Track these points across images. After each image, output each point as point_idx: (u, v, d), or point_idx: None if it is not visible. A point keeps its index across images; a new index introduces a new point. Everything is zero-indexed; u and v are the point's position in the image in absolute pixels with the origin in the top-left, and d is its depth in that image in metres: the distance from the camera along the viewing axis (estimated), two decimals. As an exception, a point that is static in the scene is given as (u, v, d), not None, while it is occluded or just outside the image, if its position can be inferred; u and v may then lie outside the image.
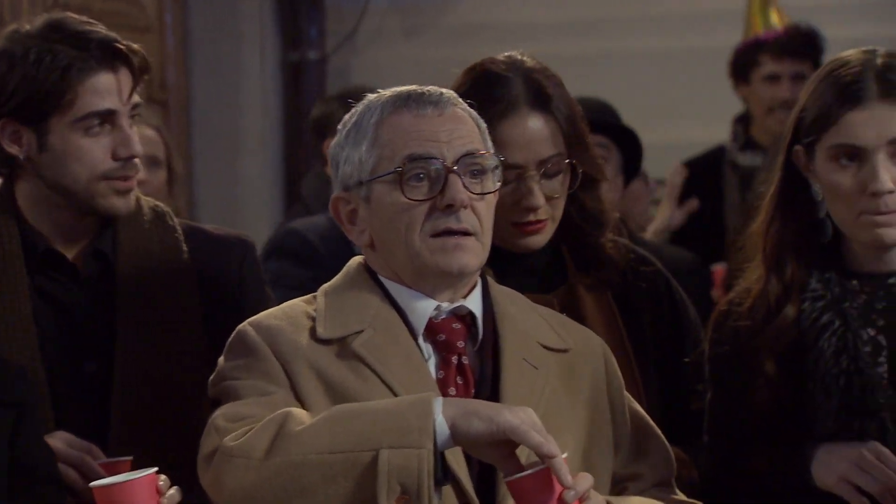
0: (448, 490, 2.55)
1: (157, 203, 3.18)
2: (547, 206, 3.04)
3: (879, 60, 2.84)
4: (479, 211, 2.69)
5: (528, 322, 2.77)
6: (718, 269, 4.91)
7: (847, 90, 2.81)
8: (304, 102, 6.92)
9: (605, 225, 3.14)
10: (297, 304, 2.75)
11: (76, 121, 2.96)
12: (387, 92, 2.75)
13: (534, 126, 3.03)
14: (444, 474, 2.50)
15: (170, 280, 3.08)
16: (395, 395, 2.60)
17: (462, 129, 2.71)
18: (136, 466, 2.78)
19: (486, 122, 2.82)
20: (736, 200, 5.47)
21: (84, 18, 3.04)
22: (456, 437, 2.49)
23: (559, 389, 2.72)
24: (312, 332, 2.67)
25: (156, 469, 2.58)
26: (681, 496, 2.82)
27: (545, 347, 2.75)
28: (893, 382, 2.82)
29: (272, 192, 7.02)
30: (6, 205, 3.05)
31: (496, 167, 2.73)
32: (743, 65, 5.64)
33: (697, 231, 5.29)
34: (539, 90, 3.06)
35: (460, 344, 2.69)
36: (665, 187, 5.46)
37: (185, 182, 6.81)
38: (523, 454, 2.51)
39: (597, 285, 3.14)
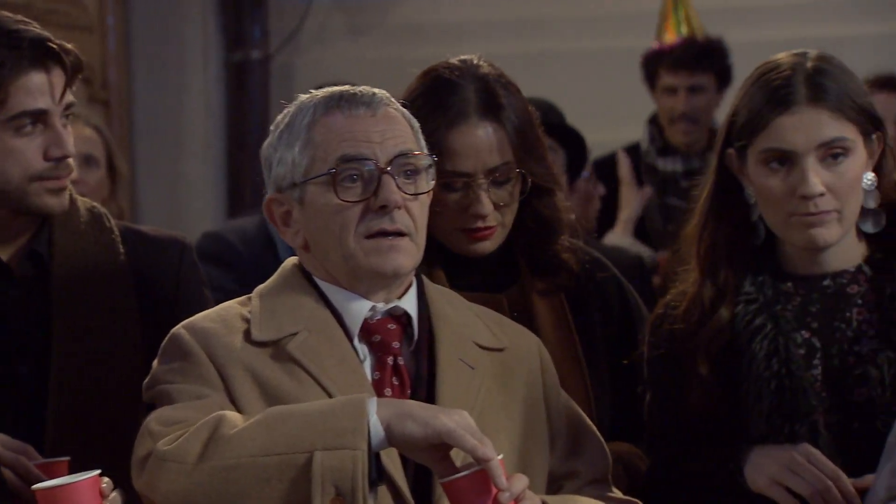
0: (384, 491, 2.55)
1: (94, 204, 3.17)
2: (496, 213, 3.04)
3: (810, 64, 2.84)
4: (413, 211, 2.69)
5: (463, 322, 2.77)
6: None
7: (776, 94, 2.81)
8: (247, 102, 6.91)
9: (559, 232, 3.14)
10: (231, 306, 2.74)
11: (7, 120, 2.94)
12: (319, 92, 2.74)
13: (482, 135, 3.02)
14: (378, 475, 2.50)
15: (106, 281, 3.07)
16: (331, 396, 2.60)
17: (395, 129, 2.71)
18: (72, 468, 2.76)
19: (435, 128, 2.81)
20: (655, 203, 5.49)
21: (18, 17, 3.01)
22: (391, 438, 2.49)
23: (495, 389, 2.73)
24: (247, 334, 2.66)
25: (99, 471, 2.56)
26: (616, 493, 2.83)
27: (481, 347, 2.76)
28: (828, 384, 2.83)
29: (215, 193, 6.99)
30: None
31: (429, 167, 2.73)
32: (648, 74, 5.67)
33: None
34: (490, 98, 3.05)
35: (395, 345, 2.69)
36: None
37: (128, 183, 6.79)
38: (458, 456, 2.51)
39: (550, 289, 3.14)
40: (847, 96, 2.82)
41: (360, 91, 2.72)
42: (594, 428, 2.86)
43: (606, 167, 5.53)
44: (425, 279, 2.81)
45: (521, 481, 2.49)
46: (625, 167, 5.44)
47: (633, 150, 5.64)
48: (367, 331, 2.69)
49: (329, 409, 2.50)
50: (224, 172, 7.03)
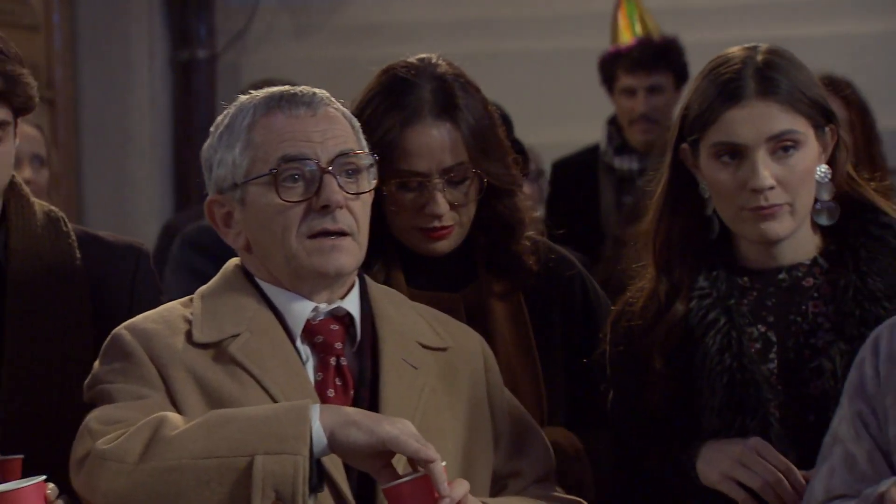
0: (327, 496, 2.55)
1: (52, 208, 3.14)
2: (452, 212, 3.03)
3: (760, 57, 2.83)
4: (355, 210, 2.68)
5: (406, 321, 2.77)
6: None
7: (726, 88, 2.81)
8: (193, 101, 6.89)
9: (519, 232, 3.13)
10: (174, 306, 2.73)
11: None
12: (259, 93, 2.73)
13: (437, 135, 3.01)
14: (319, 481, 2.49)
15: (61, 285, 3.04)
16: (273, 398, 2.59)
17: (336, 128, 2.70)
18: (24, 469, 2.74)
19: (391, 127, 2.80)
20: (612, 203, 5.49)
21: None
22: (334, 446, 2.48)
23: (439, 389, 2.73)
24: (189, 335, 2.65)
25: (44, 477, 2.55)
26: (560, 492, 2.83)
27: (424, 347, 2.75)
28: (783, 378, 2.83)
29: (161, 192, 6.97)
30: None
31: (371, 166, 2.72)
32: (606, 76, 5.68)
33: (574, 233, 5.31)
34: (446, 98, 3.03)
35: (338, 345, 2.69)
36: None
37: (73, 182, 6.76)
38: (399, 464, 2.51)
39: (508, 290, 3.14)
40: (797, 89, 2.81)
41: (301, 91, 2.71)
42: (538, 427, 2.87)
43: (565, 168, 5.53)
44: (368, 279, 2.80)
45: (462, 486, 2.50)
46: None
47: (592, 152, 5.65)
48: (310, 332, 2.68)
49: (272, 415, 2.49)
50: (170, 171, 7.01)
